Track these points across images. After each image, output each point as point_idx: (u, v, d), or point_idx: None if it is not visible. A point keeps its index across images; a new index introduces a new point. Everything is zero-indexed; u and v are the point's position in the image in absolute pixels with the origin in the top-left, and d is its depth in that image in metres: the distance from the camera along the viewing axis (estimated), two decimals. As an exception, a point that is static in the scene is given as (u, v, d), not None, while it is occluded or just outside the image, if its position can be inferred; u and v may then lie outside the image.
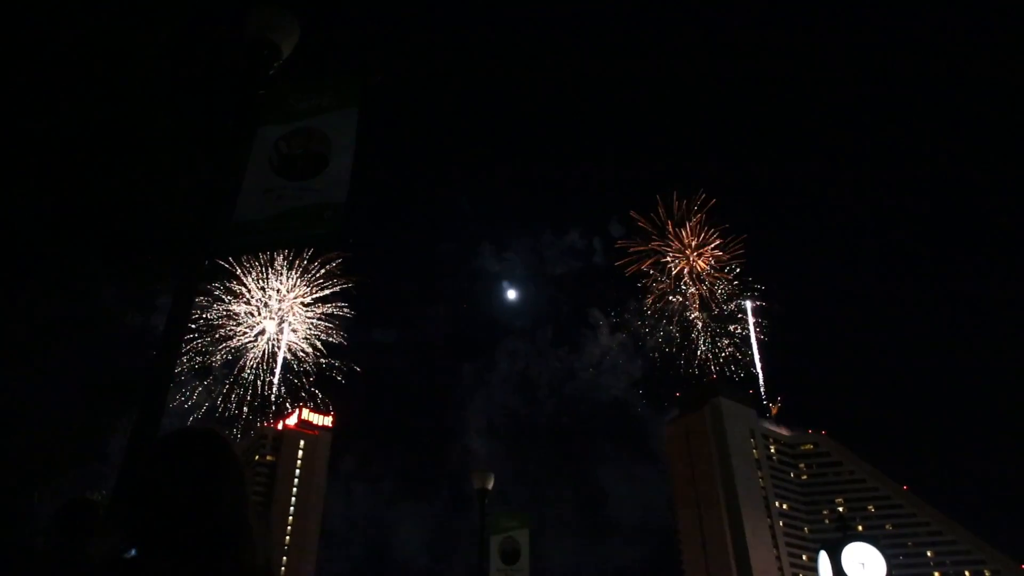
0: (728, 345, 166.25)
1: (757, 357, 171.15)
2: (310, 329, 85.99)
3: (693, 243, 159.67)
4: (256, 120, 5.24)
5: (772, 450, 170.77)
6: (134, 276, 9.75)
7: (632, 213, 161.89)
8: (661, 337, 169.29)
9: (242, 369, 79.52)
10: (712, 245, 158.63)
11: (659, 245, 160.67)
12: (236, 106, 5.29)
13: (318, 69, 5.61)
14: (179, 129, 9.18)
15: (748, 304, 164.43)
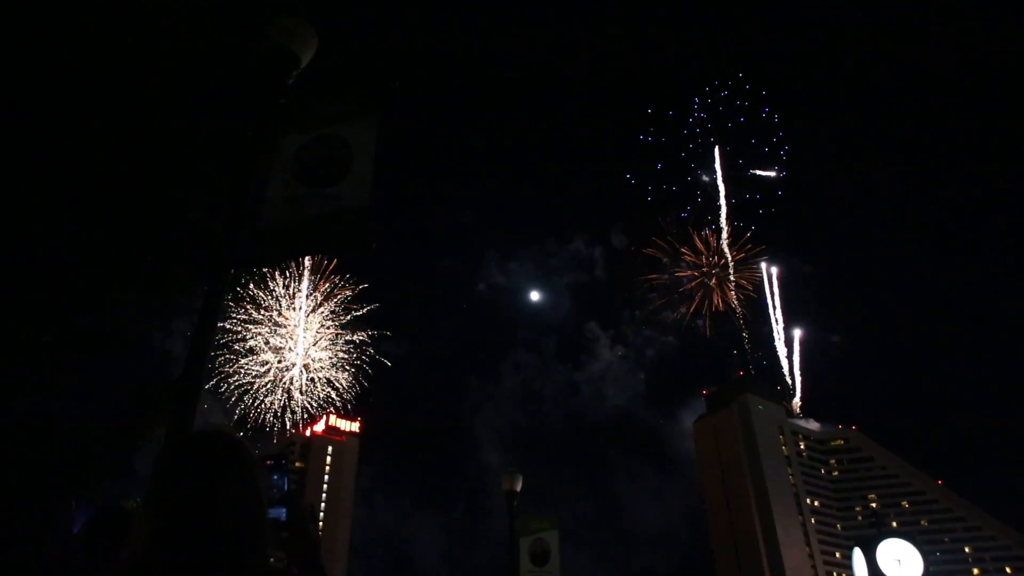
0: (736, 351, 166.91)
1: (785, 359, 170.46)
2: (330, 357, 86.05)
3: (705, 259, 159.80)
4: (277, 129, 5.28)
5: (802, 446, 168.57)
6: (159, 289, 9.88)
7: (632, 245, 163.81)
8: (667, 343, 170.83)
9: (259, 391, 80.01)
10: (724, 256, 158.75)
11: (660, 254, 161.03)
12: (256, 116, 5.33)
13: (336, 77, 5.63)
14: (201, 141, 9.30)
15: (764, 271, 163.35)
